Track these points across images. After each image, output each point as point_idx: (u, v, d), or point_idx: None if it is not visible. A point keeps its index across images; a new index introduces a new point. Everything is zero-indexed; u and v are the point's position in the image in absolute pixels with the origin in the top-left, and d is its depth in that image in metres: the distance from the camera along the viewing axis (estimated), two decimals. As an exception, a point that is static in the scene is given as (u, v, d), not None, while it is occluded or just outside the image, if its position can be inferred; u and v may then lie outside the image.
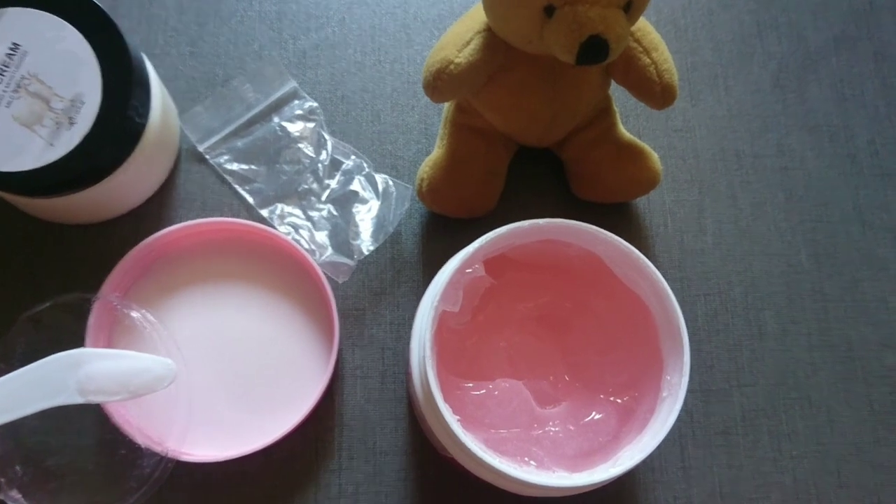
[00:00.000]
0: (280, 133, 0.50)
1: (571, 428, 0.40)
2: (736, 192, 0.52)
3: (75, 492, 0.43)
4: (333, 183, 0.49)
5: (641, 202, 0.51)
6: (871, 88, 0.54)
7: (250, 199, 0.49)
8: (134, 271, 0.46)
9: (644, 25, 0.43)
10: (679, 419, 0.37)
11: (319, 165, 0.49)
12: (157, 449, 0.41)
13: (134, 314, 0.43)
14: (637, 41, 0.42)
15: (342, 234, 0.48)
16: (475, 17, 0.43)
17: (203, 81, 0.52)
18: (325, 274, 0.46)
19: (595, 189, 0.49)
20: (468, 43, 0.41)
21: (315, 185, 0.49)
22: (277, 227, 0.48)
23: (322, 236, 0.48)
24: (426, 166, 0.47)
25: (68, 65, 0.41)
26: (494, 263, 0.41)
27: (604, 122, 0.48)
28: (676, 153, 0.52)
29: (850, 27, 0.56)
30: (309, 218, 0.48)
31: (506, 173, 0.49)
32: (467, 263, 0.38)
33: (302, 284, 0.47)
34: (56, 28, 0.41)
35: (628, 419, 0.40)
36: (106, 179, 0.43)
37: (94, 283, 0.45)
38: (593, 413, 0.41)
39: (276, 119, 0.50)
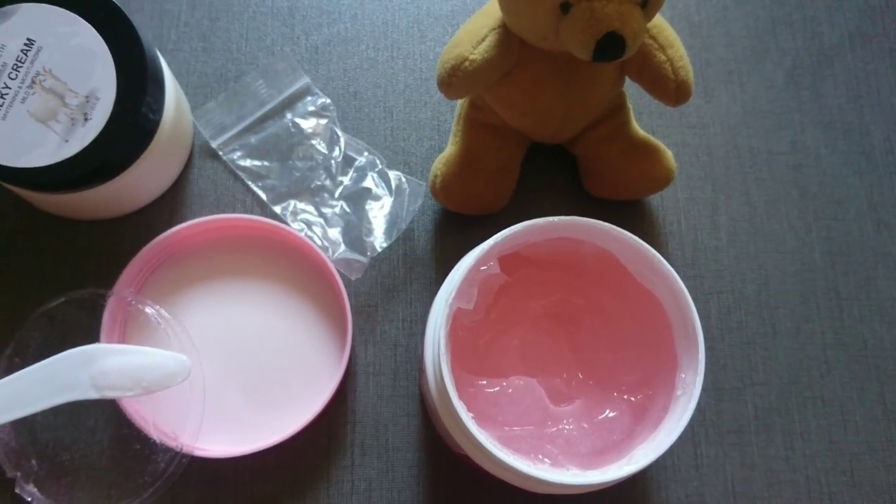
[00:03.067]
0: (293, 129, 0.50)
1: (585, 426, 0.40)
2: (750, 189, 0.51)
3: (90, 486, 0.43)
4: (346, 179, 0.49)
5: (655, 199, 0.51)
6: (886, 85, 0.54)
7: (263, 196, 0.49)
8: (147, 267, 0.46)
9: (660, 22, 0.43)
10: (692, 417, 0.36)
11: (332, 162, 0.49)
12: (172, 444, 0.41)
13: (148, 310, 0.43)
14: (653, 38, 0.42)
15: (355, 230, 0.48)
16: (490, 14, 0.42)
17: (215, 77, 0.52)
18: (338, 270, 0.46)
19: (608, 186, 0.49)
20: (483, 39, 0.41)
21: (328, 182, 0.49)
22: (290, 223, 0.48)
23: (335, 233, 0.48)
24: (439, 163, 0.47)
25: (82, 60, 0.41)
26: (508, 260, 0.41)
27: (617, 118, 0.48)
28: (690, 150, 0.52)
29: (866, 23, 0.55)
30: (322, 214, 0.48)
31: (519, 170, 0.49)
32: (482, 261, 0.38)
33: (315, 281, 0.47)
34: (70, 23, 0.41)
35: (642, 417, 0.40)
36: (120, 176, 0.43)
37: (107, 279, 0.45)
38: (607, 411, 0.41)
39: (288, 115, 0.50)
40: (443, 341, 0.36)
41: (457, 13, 0.54)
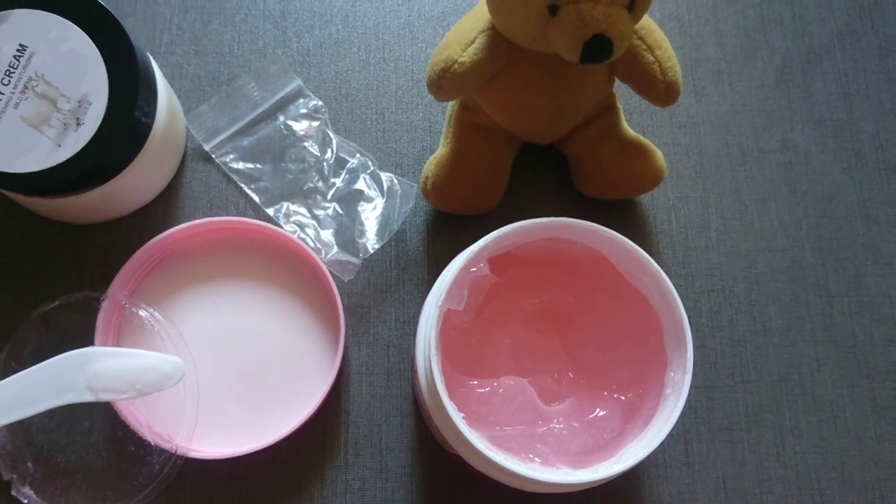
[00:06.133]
0: (285, 132, 0.50)
1: (576, 425, 0.40)
2: (740, 187, 0.52)
3: (85, 488, 0.43)
4: (339, 181, 0.49)
5: (645, 199, 0.51)
6: (875, 83, 0.54)
7: (256, 198, 0.49)
8: (141, 270, 0.46)
9: (648, 23, 0.43)
10: (683, 415, 0.37)
11: (324, 164, 0.49)
12: (167, 446, 0.42)
13: (142, 313, 0.43)
14: (641, 39, 0.42)
15: (347, 232, 0.48)
16: (479, 16, 0.43)
17: (208, 80, 0.52)
18: (331, 272, 0.46)
19: (599, 186, 0.49)
20: (472, 41, 0.41)
21: (320, 184, 0.49)
22: (283, 225, 0.48)
23: (327, 235, 0.48)
24: (431, 164, 0.47)
25: (74, 65, 0.41)
26: (498, 260, 0.41)
27: (608, 119, 0.48)
28: (680, 149, 0.52)
29: (855, 21, 0.55)
30: (314, 216, 0.48)
31: (510, 170, 0.49)
32: (472, 262, 0.39)
33: (308, 283, 0.47)
34: (62, 29, 0.42)
35: (632, 416, 0.40)
36: (113, 179, 0.43)
37: (101, 282, 0.45)
38: (597, 410, 0.41)
39: (281, 118, 0.50)
40: (433, 343, 0.37)
41: (447, 15, 0.54)
